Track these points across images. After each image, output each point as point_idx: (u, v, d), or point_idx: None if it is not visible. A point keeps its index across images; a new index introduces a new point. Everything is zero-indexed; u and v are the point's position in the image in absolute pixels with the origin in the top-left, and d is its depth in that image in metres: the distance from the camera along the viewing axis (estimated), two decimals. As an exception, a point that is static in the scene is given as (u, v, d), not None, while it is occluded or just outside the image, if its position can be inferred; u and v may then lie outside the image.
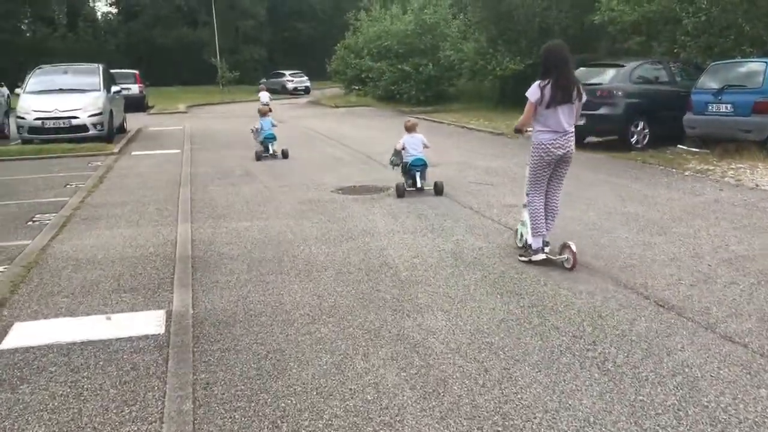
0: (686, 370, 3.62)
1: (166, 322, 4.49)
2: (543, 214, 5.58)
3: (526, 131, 5.71)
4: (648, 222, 6.97)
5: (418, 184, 8.77)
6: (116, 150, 13.93)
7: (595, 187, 8.97)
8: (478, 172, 10.46)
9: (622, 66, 12.61)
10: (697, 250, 5.89)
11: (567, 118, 5.38)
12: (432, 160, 11.40)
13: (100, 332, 4.33)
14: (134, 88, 28.49)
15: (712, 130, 11.36)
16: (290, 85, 45.78)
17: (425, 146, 9.01)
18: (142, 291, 5.13)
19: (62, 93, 15.44)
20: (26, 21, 58.71)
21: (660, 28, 16.55)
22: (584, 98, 5.53)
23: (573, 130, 5.48)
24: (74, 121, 14.87)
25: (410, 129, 9.16)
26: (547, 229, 5.64)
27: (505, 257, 5.80)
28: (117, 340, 4.21)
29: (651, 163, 10.88)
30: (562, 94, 5.29)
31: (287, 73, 47.65)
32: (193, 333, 4.28)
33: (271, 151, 12.73)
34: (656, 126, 12.32)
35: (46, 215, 7.97)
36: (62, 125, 14.84)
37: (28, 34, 57.17)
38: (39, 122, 14.77)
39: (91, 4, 62.97)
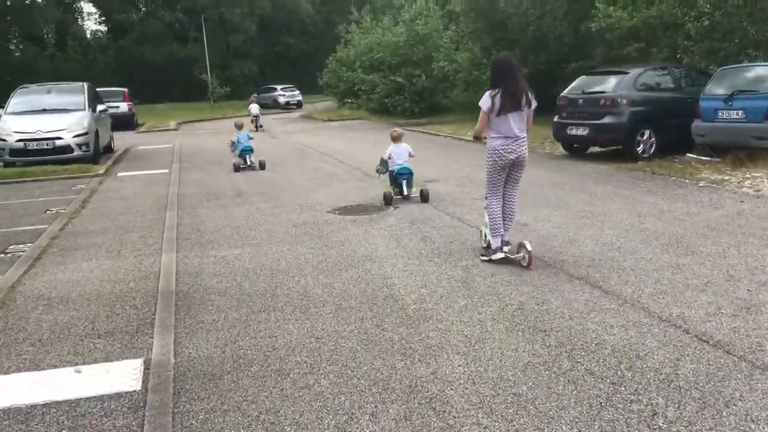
0: (752, 426, 3.08)
1: (144, 374, 3.93)
2: (500, 215, 5.97)
3: (484, 138, 5.97)
4: (670, 240, 6.45)
5: (405, 192, 9.09)
6: (101, 171, 13.37)
7: (606, 201, 8.46)
8: (480, 187, 9.89)
9: (626, 73, 12.13)
10: (731, 272, 5.36)
11: (518, 124, 5.77)
12: (431, 175, 10.97)
13: (67, 390, 3.76)
14: (123, 107, 28.00)
15: (723, 138, 10.88)
16: (282, 100, 45.31)
17: (410, 155, 9.31)
18: (119, 335, 4.57)
19: (45, 113, 14.90)
20: (14, 40, 58.30)
21: (660, 33, 16.13)
22: (534, 105, 5.84)
23: (524, 135, 5.86)
24: (58, 142, 14.32)
25: (396, 139, 9.40)
26: (505, 230, 6.00)
27: (521, 285, 5.27)
28: (86, 400, 3.64)
29: (661, 173, 10.38)
30: (511, 102, 5.67)
31: (279, 87, 47.18)
32: (174, 389, 3.72)
33: (248, 163, 13.25)
34: (663, 134, 11.84)
35: (21, 246, 7.40)
36: (45, 147, 14.28)
37: (17, 54, 56.68)
38: (21, 144, 14.20)
39: (80, 23, 62.53)
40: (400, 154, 9.21)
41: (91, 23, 65.66)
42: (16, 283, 5.95)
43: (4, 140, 14.29)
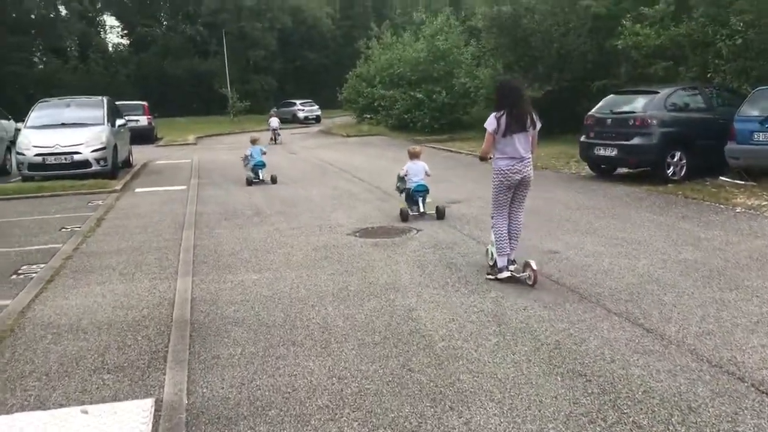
0: (830, 499, 2.74)
1: (154, 417, 3.66)
2: (506, 235, 6.05)
3: (490, 158, 6.09)
4: (711, 272, 6.09)
5: (421, 209, 9.13)
6: (119, 187, 13.21)
7: (640, 227, 8.10)
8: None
9: (656, 92, 11.79)
10: (782, 310, 5.00)
11: (523, 145, 5.86)
12: (453, 195, 10.67)
13: (71, 434, 3.50)
14: (143, 120, 28.03)
15: (759, 161, 10.50)
16: (301, 114, 45.32)
17: (427, 174, 9.32)
18: (129, 370, 4.31)
19: (64, 127, 14.80)
20: (38, 53, 58.99)
21: (688, 52, 15.79)
22: (538, 126, 5.92)
23: (530, 156, 5.94)
24: (76, 157, 14.20)
25: (414, 156, 9.46)
26: (510, 249, 6.08)
27: (557, 320, 4.94)
28: (91, 446, 3.38)
29: (694, 197, 10.01)
30: (516, 124, 5.76)
31: (298, 102, 47.24)
32: (186, 436, 3.45)
33: (260, 177, 13.60)
34: (694, 156, 11.46)
35: (34, 266, 7.20)
36: (64, 161, 14.17)
37: (40, 66, 57.31)
38: (39, 158, 14.10)
39: (103, 36, 63.15)
40: (417, 171, 9.23)
41: (114, 36, 66.25)
42: (26, 308, 5.72)
43: (23, 154, 14.21)
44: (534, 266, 5.74)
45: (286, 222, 9.30)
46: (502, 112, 5.79)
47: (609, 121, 11.96)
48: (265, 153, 14.17)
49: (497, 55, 22.62)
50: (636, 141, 11.37)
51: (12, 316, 5.50)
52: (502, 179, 5.93)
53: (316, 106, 46.69)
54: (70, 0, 56.93)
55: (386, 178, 13.34)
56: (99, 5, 63.26)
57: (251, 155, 13.81)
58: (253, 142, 14.23)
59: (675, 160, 11.42)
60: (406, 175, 9.25)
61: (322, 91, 59.80)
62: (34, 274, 6.85)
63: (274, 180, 13.43)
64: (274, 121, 27.51)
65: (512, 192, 6.01)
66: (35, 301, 5.93)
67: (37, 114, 15.38)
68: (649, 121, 11.31)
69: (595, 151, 12.13)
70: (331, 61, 66.15)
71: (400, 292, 5.80)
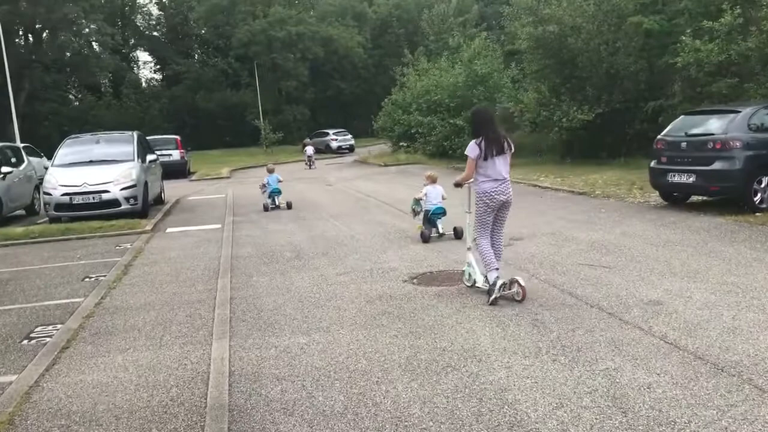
0: None
1: None
2: (492, 252, 6.29)
3: (464, 185, 6.59)
4: None
5: (440, 231, 9.75)
6: (149, 227, 12.37)
7: (747, 269, 6.91)
8: (581, 247, 8.48)
9: (736, 112, 10.59)
10: None
11: (503, 167, 6.25)
12: (515, 231, 9.54)
13: None
14: (175, 154, 27.46)
15: None
16: (334, 144, 44.64)
17: (443, 198, 9.87)
18: (151, 489, 3.29)
19: (92, 165, 14.09)
20: (73, 90, 59.65)
21: (758, 67, 14.58)
22: (513, 149, 6.34)
23: (509, 178, 6.31)
24: (105, 196, 13.43)
25: (432, 180, 10.05)
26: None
27: (698, 406, 3.81)
28: None
29: (795, 229, 8.78)
30: (496, 147, 6.16)
31: (331, 132, 46.62)
32: None
33: (276, 204, 14.64)
34: (783, 182, 10.22)
35: (50, 327, 6.28)
36: (92, 200, 13.40)
37: (76, 103, 57.88)
38: (66, 198, 13.36)
39: (136, 72, 63.69)
40: (435, 195, 9.84)
41: (147, 72, 66.89)
42: (33, 386, 4.77)
43: (49, 194, 13.50)
44: (522, 282, 6.11)
45: (332, 266, 8.29)
46: (480, 138, 6.20)
47: (684, 144, 10.77)
48: (281, 181, 15.04)
49: (542, 77, 21.56)
50: (717, 166, 10.17)
51: (15, 399, 4.54)
52: (487, 201, 6.26)
53: (350, 135, 46.02)
54: (104, 36, 57.67)
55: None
56: (132, 41, 63.98)
57: (268, 183, 14.75)
58: (270, 171, 15.19)
59: (763, 186, 10.18)
60: (423, 199, 9.87)
61: (355, 120, 59.37)
62: (48, 338, 5.92)
63: (289, 206, 14.42)
64: (310, 150, 30.86)
65: (494, 213, 6.34)
66: (45, 376, 4.98)
67: (65, 151, 14.71)
68: (732, 143, 10.10)
69: (669, 178, 10.94)
70: (363, 90, 65.80)
71: (483, 362, 4.71)
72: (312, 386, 4.46)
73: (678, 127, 11.27)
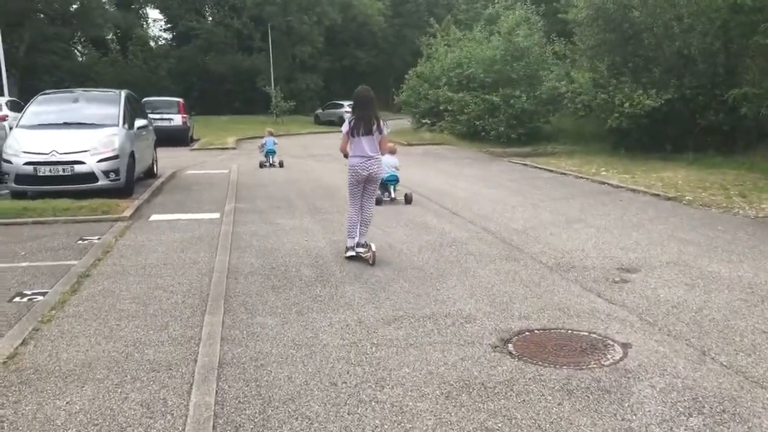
0: None
1: None
2: (357, 221, 7.10)
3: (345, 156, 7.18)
4: None
5: (392, 196, 10.85)
6: (128, 213, 9.74)
7: None
8: (739, 295, 5.79)
9: None
10: None
11: (369, 146, 6.91)
12: (617, 253, 6.54)
13: None
14: (176, 119, 24.70)
15: None
16: (348, 117, 41.67)
17: (396, 168, 11.01)
18: None
19: (66, 128, 11.44)
20: (79, 46, 56.62)
21: None
22: (385, 132, 7.02)
23: (377, 156, 6.98)
24: (78, 168, 10.80)
25: (391, 152, 10.69)
26: (360, 234, 7.10)
27: None
28: None
29: None
30: (364, 128, 6.86)
31: (345, 103, 43.64)
32: None
33: (271, 162, 16.83)
34: None
35: None
36: (62, 173, 10.77)
37: (81, 59, 54.93)
38: (30, 168, 10.72)
39: (145, 29, 60.51)
40: (388, 164, 10.14)
41: (156, 30, 63.49)
42: None
43: (9, 162, 10.86)
44: (374, 248, 6.90)
45: (372, 300, 5.67)
46: (353, 117, 6.96)
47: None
48: (276, 144, 17.29)
49: (599, 53, 18.70)
50: None
51: None
52: (353, 174, 7.00)
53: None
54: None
55: (496, 214, 9.69)
56: (143, -2, 60.82)
57: (265, 144, 17.05)
58: (269, 134, 17.47)
59: None
60: None
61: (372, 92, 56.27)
62: None
63: (281, 164, 16.66)
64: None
65: (362, 186, 7.03)
66: None
67: (35, 110, 12.02)
68: None
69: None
70: (381, 61, 62.75)
71: None
72: None
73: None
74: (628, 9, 17.52)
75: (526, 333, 4.90)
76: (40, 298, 5.81)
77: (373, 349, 4.59)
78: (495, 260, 7.06)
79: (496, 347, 4.61)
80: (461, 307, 5.47)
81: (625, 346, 4.62)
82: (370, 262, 6.77)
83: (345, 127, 6.98)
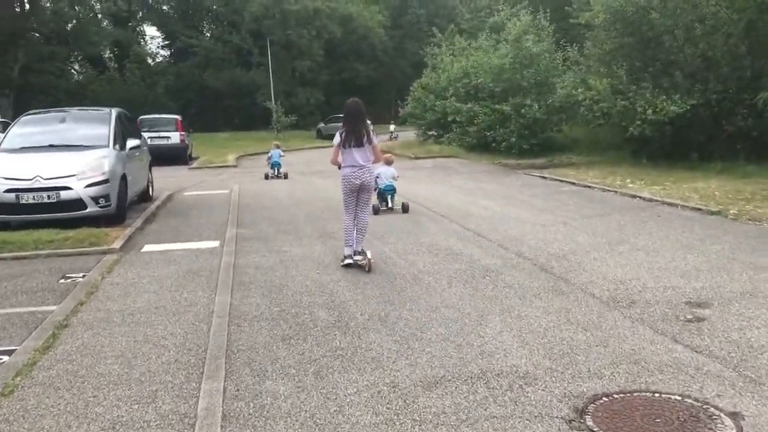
0: None
1: None
2: (353, 229, 7.28)
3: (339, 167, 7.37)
4: None
5: (390, 205, 11.23)
6: (118, 245, 8.78)
7: None
8: None
9: None
10: None
11: (361, 156, 7.15)
12: (680, 283, 5.45)
13: None
14: (174, 137, 23.81)
15: None
16: (339, 129, 40.77)
17: (394, 178, 11.46)
18: None
19: (51, 151, 10.53)
20: (76, 65, 55.87)
21: None
22: (374, 142, 7.26)
23: (368, 166, 7.23)
24: (64, 194, 9.83)
25: (388, 162, 11.46)
26: (356, 242, 7.29)
27: None
28: None
29: None
30: (355, 140, 7.10)
31: (348, 117, 42.76)
32: None
33: (277, 174, 17.71)
34: None
35: None
36: (47, 200, 9.80)
37: (77, 77, 54.17)
38: (11, 195, 9.77)
39: (142, 46, 59.74)
40: (387, 175, 11.23)
41: (153, 47, 62.69)
42: None
43: (-11, 189, 9.91)
44: (369, 255, 7.11)
45: (404, 353, 4.70)
46: (343, 129, 7.18)
47: None
48: (282, 156, 18.27)
49: (616, 58, 17.76)
50: None
51: None
52: (346, 184, 7.23)
53: (369, 122, 42.17)
54: (110, 8, 53.98)
55: (520, 234, 8.68)
56: (140, 15, 60.15)
57: (271, 156, 18.04)
58: (276, 146, 18.44)
59: None
60: (378, 177, 10.34)
61: (372, 105, 55.44)
62: None
63: (285, 176, 17.53)
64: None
65: (356, 195, 7.26)
66: None
67: (18, 131, 11.11)
68: None
69: None
70: (381, 74, 62.01)
71: None
72: None
73: None
74: (647, 11, 16.63)
75: (604, 399, 3.92)
76: (5, 359, 4.84)
77: (416, 429, 3.61)
78: (539, 295, 6.08)
79: (571, 421, 3.63)
80: (515, 363, 4.48)
81: (735, 416, 3.64)
82: (366, 269, 6.97)
83: (336, 139, 7.22)
